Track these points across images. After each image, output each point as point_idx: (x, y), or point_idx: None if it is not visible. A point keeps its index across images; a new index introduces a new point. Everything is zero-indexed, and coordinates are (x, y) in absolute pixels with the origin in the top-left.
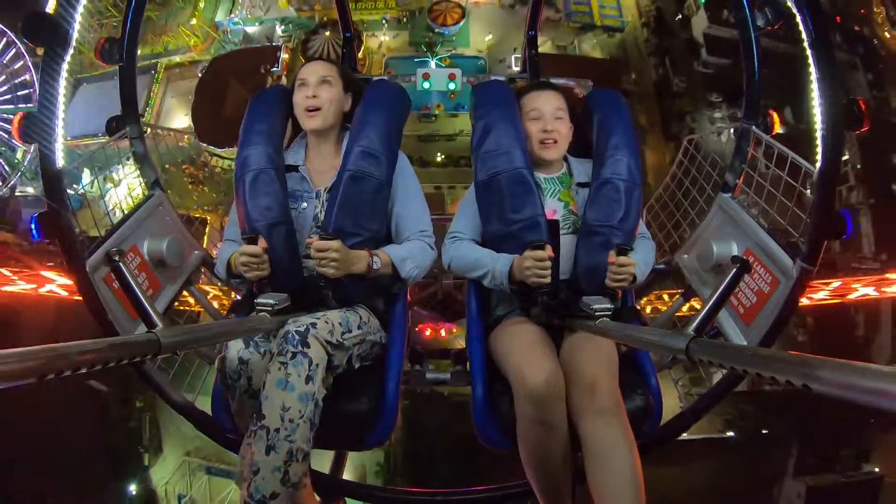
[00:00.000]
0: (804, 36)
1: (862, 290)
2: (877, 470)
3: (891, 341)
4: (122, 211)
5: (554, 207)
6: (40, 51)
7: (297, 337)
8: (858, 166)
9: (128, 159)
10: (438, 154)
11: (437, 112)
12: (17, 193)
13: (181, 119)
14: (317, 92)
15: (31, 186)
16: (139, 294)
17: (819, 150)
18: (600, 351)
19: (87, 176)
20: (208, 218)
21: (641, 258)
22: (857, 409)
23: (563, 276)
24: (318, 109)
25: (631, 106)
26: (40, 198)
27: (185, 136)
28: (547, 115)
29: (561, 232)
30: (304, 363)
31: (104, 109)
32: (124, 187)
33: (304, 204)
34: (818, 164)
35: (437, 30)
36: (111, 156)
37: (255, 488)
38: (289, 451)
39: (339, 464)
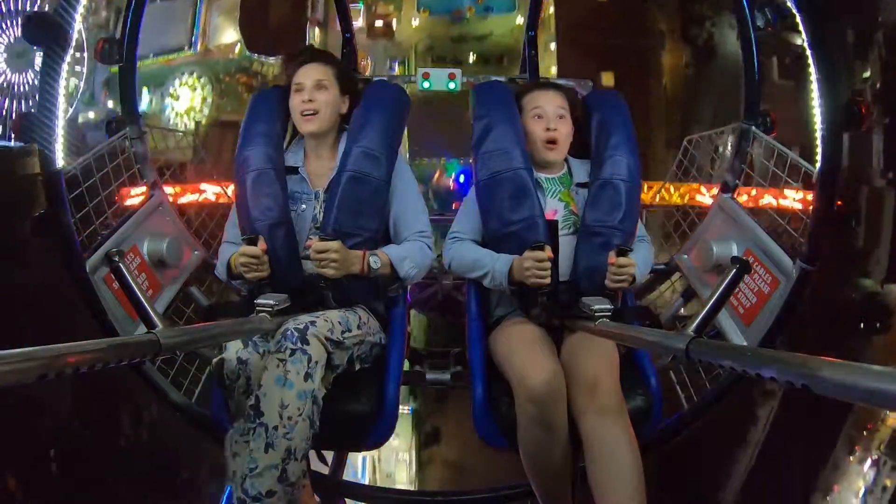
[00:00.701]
0: (804, 36)
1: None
2: None
3: (889, 254)
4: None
5: (555, 208)
6: None
7: (296, 334)
8: (878, 85)
9: (183, 74)
10: (471, 54)
11: (468, 16)
12: (79, 122)
13: (230, 34)
14: (313, 96)
15: (91, 111)
16: (139, 294)
17: (819, 150)
18: (601, 350)
19: (146, 95)
20: None
21: (641, 260)
22: (842, 318)
23: (562, 276)
24: (314, 113)
25: (651, 12)
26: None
27: (237, 48)
28: (550, 113)
29: (561, 232)
30: (303, 360)
31: (156, 30)
32: (184, 101)
33: (304, 206)
34: (818, 165)
35: None
36: (166, 73)
37: (250, 485)
38: (287, 448)
39: (339, 464)
